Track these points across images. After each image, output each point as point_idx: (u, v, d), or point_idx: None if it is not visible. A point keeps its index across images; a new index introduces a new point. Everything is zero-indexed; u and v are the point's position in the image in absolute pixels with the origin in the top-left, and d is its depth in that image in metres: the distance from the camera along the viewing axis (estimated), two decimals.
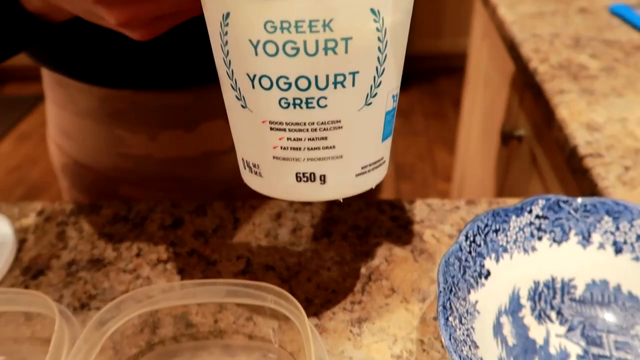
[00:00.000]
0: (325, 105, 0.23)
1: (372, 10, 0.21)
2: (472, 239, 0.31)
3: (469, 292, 0.29)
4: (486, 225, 0.31)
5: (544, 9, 0.74)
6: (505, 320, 0.30)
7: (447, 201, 0.42)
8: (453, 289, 0.28)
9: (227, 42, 0.22)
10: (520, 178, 0.73)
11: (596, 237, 0.32)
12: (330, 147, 0.24)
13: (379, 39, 0.22)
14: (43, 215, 0.43)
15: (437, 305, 0.28)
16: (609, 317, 0.31)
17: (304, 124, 0.23)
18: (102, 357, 0.27)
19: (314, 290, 0.35)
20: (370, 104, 0.24)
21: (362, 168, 0.25)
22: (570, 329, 0.31)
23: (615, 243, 0.32)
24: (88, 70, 0.40)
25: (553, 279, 0.32)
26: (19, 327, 0.33)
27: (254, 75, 0.22)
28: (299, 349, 0.29)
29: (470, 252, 0.30)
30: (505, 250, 0.32)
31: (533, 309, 0.31)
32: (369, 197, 0.58)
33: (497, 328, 0.29)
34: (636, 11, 0.70)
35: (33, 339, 0.32)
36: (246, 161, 0.26)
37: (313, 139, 0.24)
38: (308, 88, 0.22)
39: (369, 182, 0.26)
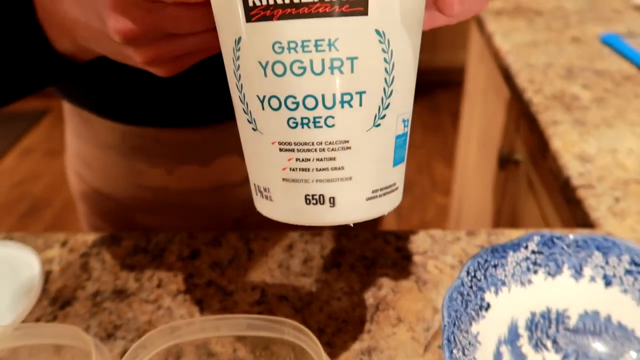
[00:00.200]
0: (333, 125, 0.23)
1: (377, 32, 0.22)
2: (473, 274, 0.33)
3: (470, 324, 0.32)
4: (486, 261, 0.34)
5: (537, 38, 0.77)
6: (504, 349, 0.33)
7: (449, 232, 0.44)
8: (456, 322, 0.31)
9: (239, 66, 0.24)
10: (518, 200, 0.76)
11: (587, 271, 0.35)
12: (339, 168, 0.24)
13: (385, 60, 0.23)
14: (67, 247, 0.45)
15: (442, 337, 0.30)
16: (600, 346, 0.33)
17: (312, 143, 0.24)
18: None
19: (325, 320, 0.37)
20: (379, 125, 0.24)
21: (373, 192, 0.25)
22: (565, 357, 0.33)
23: (605, 276, 0.35)
24: (112, 108, 0.43)
25: (548, 310, 0.35)
26: (49, 358, 0.35)
27: (264, 97, 0.23)
28: None
29: (471, 287, 0.33)
30: (503, 283, 0.34)
31: (530, 339, 0.34)
32: (374, 225, 0.61)
33: (497, 357, 0.32)
34: (625, 41, 0.73)
35: None
36: (257, 186, 0.27)
37: (321, 160, 0.24)
38: (315, 107, 0.23)
39: (381, 208, 0.26)
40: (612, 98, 0.62)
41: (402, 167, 0.27)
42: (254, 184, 0.27)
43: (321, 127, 0.23)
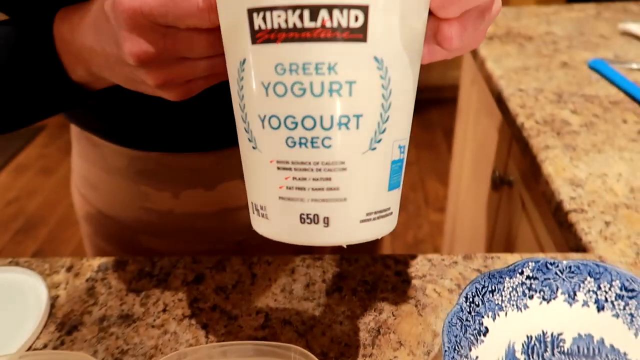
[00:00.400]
0: (330, 146, 0.24)
1: (376, 58, 0.23)
2: (471, 299, 0.35)
3: (470, 349, 0.33)
4: (483, 287, 0.35)
5: (528, 63, 0.80)
6: None
7: (446, 256, 0.46)
8: (456, 347, 0.32)
9: (242, 86, 0.25)
10: (511, 221, 0.77)
11: (581, 296, 0.36)
12: (334, 189, 0.25)
13: (382, 86, 0.24)
14: (72, 272, 0.46)
15: None
16: None
17: (309, 163, 0.24)
18: None
19: (328, 344, 0.38)
20: (375, 148, 0.25)
21: (367, 214, 0.26)
22: None
23: (597, 301, 0.36)
24: (120, 133, 0.44)
25: (544, 334, 0.36)
26: None
27: (264, 116, 0.24)
28: None
29: (470, 312, 0.34)
30: (500, 308, 0.36)
31: None
32: (372, 247, 0.62)
33: None
34: (613, 67, 0.75)
35: None
36: (255, 204, 0.27)
37: (317, 179, 0.25)
38: (313, 127, 0.24)
39: (375, 231, 0.27)
40: (600, 123, 0.64)
41: (397, 192, 0.28)
42: (252, 202, 0.28)
43: (318, 147, 0.24)
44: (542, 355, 0.35)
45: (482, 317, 0.35)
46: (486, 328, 0.35)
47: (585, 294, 0.36)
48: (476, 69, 0.95)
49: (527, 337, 0.36)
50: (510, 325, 0.36)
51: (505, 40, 0.89)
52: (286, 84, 0.23)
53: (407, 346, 0.38)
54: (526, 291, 0.37)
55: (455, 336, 0.32)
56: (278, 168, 0.25)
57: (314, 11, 0.22)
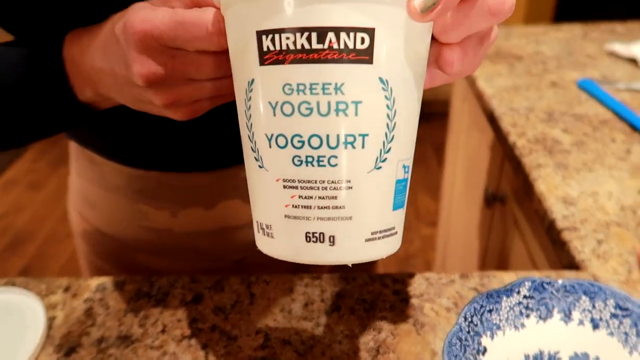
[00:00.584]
0: (336, 164, 0.24)
1: (381, 79, 0.24)
2: (470, 319, 0.35)
3: None
4: (481, 306, 0.36)
5: (518, 83, 0.82)
6: None
7: (443, 275, 0.46)
8: None
9: (250, 106, 0.25)
10: (505, 237, 0.78)
11: (576, 315, 0.37)
12: (340, 207, 0.25)
13: (387, 106, 0.24)
14: (70, 292, 0.46)
15: None
16: None
17: (315, 181, 0.25)
18: None
19: None
20: (380, 168, 0.25)
21: (372, 234, 0.26)
22: None
23: (592, 320, 0.37)
24: (121, 152, 0.45)
25: (541, 352, 0.37)
26: None
27: (271, 135, 0.25)
28: None
29: (469, 332, 0.35)
30: (498, 328, 0.36)
31: None
32: (370, 265, 0.62)
33: None
34: (601, 86, 0.77)
35: None
36: (260, 223, 0.28)
37: (323, 198, 0.25)
38: (320, 146, 0.24)
39: (379, 250, 0.27)
40: (590, 142, 0.65)
41: (401, 212, 0.28)
42: (257, 221, 0.28)
43: (324, 165, 0.24)
44: None
45: (481, 336, 0.35)
46: (485, 348, 0.35)
47: (580, 313, 0.37)
48: (467, 86, 0.97)
49: (525, 356, 0.36)
50: (508, 345, 0.36)
51: (496, 59, 0.91)
52: (293, 104, 0.24)
53: None
54: (523, 310, 0.37)
55: (455, 356, 0.33)
56: (284, 187, 0.25)
57: (322, 33, 0.23)
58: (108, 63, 0.29)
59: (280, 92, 0.24)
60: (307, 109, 0.24)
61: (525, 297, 0.37)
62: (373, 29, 0.23)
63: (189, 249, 0.49)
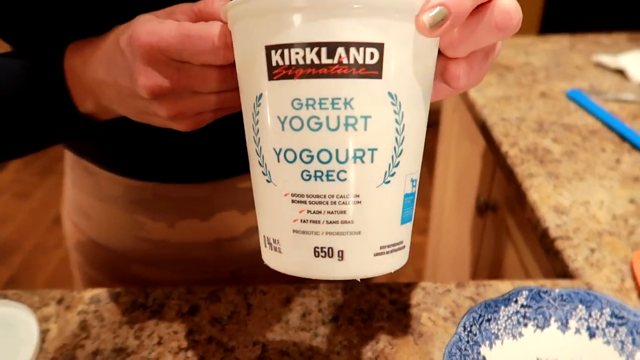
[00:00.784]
0: (345, 179, 0.24)
1: (390, 94, 0.24)
2: (469, 329, 0.35)
3: None
4: (480, 316, 0.36)
5: (509, 93, 0.83)
6: None
7: (439, 284, 0.47)
8: None
9: (258, 121, 0.25)
10: (497, 245, 0.79)
11: (573, 323, 0.37)
12: (349, 222, 0.25)
13: (396, 120, 0.25)
14: (63, 304, 0.45)
15: None
16: None
17: (324, 196, 0.25)
18: None
19: None
20: (389, 182, 0.25)
21: (381, 248, 0.26)
22: None
23: (589, 328, 0.37)
24: (119, 163, 0.44)
25: None
26: None
27: (280, 149, 0.25)
28: None
29: (468, 342, 0.35)
30: (497, 337, 0.37)
31: None
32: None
33: None
34: (589, 97, 0.79)
35: None
36: (267, 237, 0.27)
37: (332, 212, 0.25)
38: (329, 161, 0.24)
39: (388, 265, 0.27)
40: (580, 152, 0.66)
41: (409, 226, 0.28)
42: (264, 236, 0.28)
43: (333, 180, 0.25)
44: None
45: (480, 346, 0.36)
46: (483, 357, 0.35)
47: (577, 322, 0.37)
48: (458, 97, 0.98)
49: None
50: (507, 354, 0.36)
51: None
52: (302, 119, 0.24)
53: None
54: (521, 319, 0.37)
55: None
56: (293, 201, 0.25)
57: (332, 48, 0.23)
58: (111, 75, 0.29)
59: (289, 107, 0.24)
60: (316, 123, 0.24)
61: (522, 306, 0.38)
62: (382, 44, 0.23)
63: (185, 260, 0.49)
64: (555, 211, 0.55)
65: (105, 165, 0.45)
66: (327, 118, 0.24)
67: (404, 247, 0.28)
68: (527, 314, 0.38)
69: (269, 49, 0.24)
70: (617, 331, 0.37)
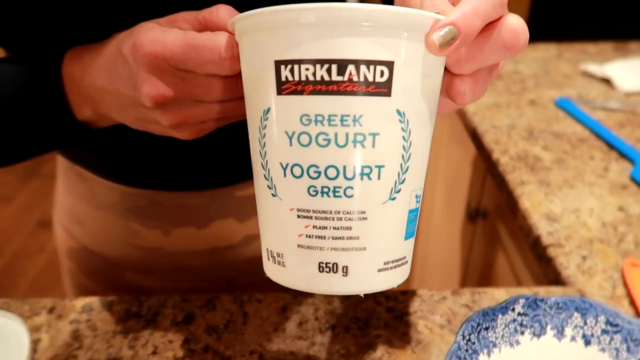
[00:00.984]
0: (352, 195, 0.25)
1: (398, 111, 0.24)
2: (468, 337, 0.35)
3: None
4: (478, 324, 0.36)
5: (499, 100, 0.84)
6: None
7: (435, 292, 0.47)
8: None
9: (265, 134, 0.25)
10: (487, 252, 0.80)
11: (568, 331, 0.38)
12: (354, 238, 0.25)
13: (403, 138, 0.25)
14: (54, 313, 0.44)
15: None
16: None
17: (330, 212, 0.25)
18: None
19: None
20: (395, 198, 0.26)
21: (385, 264, 0.26)
22: None
23: (584, 336, 0.38)
24: (116, 170, 0.44)
25: None
26: None
27: (287, 164, 0.25)
28: None
29: (467, 350, 0.35)
30: (494, 345, 0.37)
31: None
32: None
33: None
34: (577, 105, 0.80)
35: None
36: (270, 251, 0.27)
37: (338, 228, 0.25)
38: (336, 177, 0.24)
39: (391, 280, 0.27)
40: (570, 160, 0.67)
41: (412, 241, 0.29)
42: (267, 249, 0.28)
43: (340, 196, 0.25)
44: None
45: (478, 354, 0.36)
46: None
47: (572, 329, 0.38)
48: None
49: None
50: None
51: None
52: (311, 134, 0.24)
53: None
54: (518, 327, 0.38)
55: None
56: (298, 216, 0.25)
57: (342, 66, 0.23)
58: (112, 82, 0.29)
59: (298, 123, 0.24)
60: (324, 140, 0.24)
61: (519, 314, 0.38)
62: (392, 62, 0.24)
63: (179, 269, 0.48)
64: (547, 218, 0.56)
65: (100, 171, 0.44)
66: (336, 135, 0.24)
67: (406, 262, 0.28)
68: (524, 322, 0.38)
69: (278, 64, 0.24)
70: (612, 339, 0.37)
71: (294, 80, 0.24)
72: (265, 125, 0.25)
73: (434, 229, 1.16)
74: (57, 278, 1.76)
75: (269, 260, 0.28)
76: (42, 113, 0.31)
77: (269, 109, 0.25)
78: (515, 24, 0.23)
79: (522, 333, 0.38)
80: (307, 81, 0.24)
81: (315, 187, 0.25)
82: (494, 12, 0.23)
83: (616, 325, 0.37)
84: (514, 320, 0.38)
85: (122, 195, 0.45)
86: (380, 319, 0.44)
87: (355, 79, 0.23)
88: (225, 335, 0.42)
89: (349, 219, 0.25)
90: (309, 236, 0.25)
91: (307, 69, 0.23)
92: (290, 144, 0.25)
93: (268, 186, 0.26)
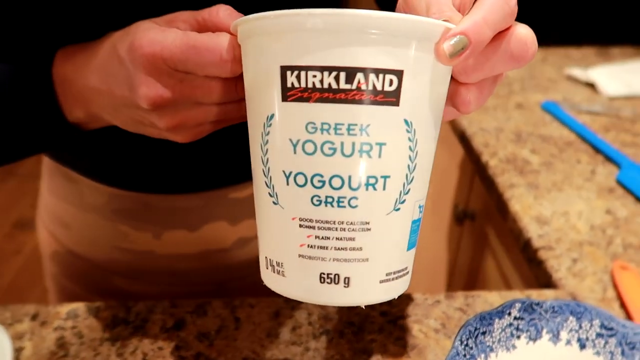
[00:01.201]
0: (356, 206, 0.24)
1: (406, 121, 0.24)
2: (465, 342, 0.35)
3: None
4: (476, 329, 0.36)
5: (486, 103, 0.84)
6: None
7: (429, 295, 0.46)
8: None
9: (267, 141, 0.25)
10: (474, 255, 0.80)
11: (564, 335, 0.38)
12: (357, 249, 0.25)
13: (410, 148, 0.24)
14: (38, 320, 0.42)
15: None
16: None
17: (334, 222, 0.24)
18: None
19: None
20: (399, 209, 0.25)
21: (387, 275, 0.26)
22: None
23: (579, 339, 0.38)
24: (105, 172, 0.42)
25: None
26: None
27: (290, 172, 0.24)
28: None
29: (465, 355, 0.35)
30: (491, 350, 0.37)
31: None
32: None
33: None
34: (563, 108, 0.81)
35: None
36: (270, 260, 0.27)
37: (341, 239, 0.25)
38: (341, 187, 0.24)
39: (392, 291, 0.27)
40: (558, 163, 0.68)
41: (413, 251, 0.28)
42: (266, 257, 0.27)
43: (344, 207, 0.24)
44: None
45: (475, 359, 0.36)
46: None
47: (568, 333, 0.38)
48: None
49: None
50: None
51: None
52: (316, 143, 0.24)
53: None
54: (514, 332, 0.38)
55: None
56: (300, 226, 0.25)
57: (351, 73, 0.23)
58: (106, 83, 0.27)
59: (303, 130, 0.24)
60: (330, 148, 0.23)
61: (515, 318, 0.38)
62: (402, 71, 0.23)
63: (169, 273, 0.47)
64: (537, 221, 0.56)
65: (88, 173, 0.43)
66: (342, 144, 0.23)
67: (407, 272, 0.28)
68: (520, 326, 0.38)
69: (284, 69, 0.23)
70: (606, 342, 0.37)
71: (300, 87, 0.23)
72: (269, 132, 0.25)
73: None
74: (34, 281, 1.71)
75: (267, 268, 0.27)
76: (31, 114, 0.30)
77: (272, 115, 0.24)
78: (525, 34, 0.23)
79: (519, 337, 0.38)
80: (314, 88, 0.23)
81: (319, 197, 0.24)
82: (504, 21, 0.23)
83: (611, 329, 0.37)
84: (510, 324, 0.38)
85: (111, 197, 0.43)
86: (375, 323, 0.43)
87: (363, 87, 0.23)
88: (217, 342, 0.41)
89: (352, 229, 0.24)
90: (311, 246, 0.25)
91: (314, 76, 0.23)
92: (295, 152, 0.24)
93: (269, 194, 0.26)
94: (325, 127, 0.23)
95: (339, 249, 0.25)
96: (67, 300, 0.51)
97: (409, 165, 0.25)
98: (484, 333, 0.37)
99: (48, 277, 0.52)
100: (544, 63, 1.01)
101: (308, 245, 0.25)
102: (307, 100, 0.23)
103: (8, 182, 2.18)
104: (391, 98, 0.23)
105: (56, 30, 0.31)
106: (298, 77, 0.23)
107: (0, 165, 0.34)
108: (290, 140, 0.24)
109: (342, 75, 0.23)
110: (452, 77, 0.26)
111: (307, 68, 0.23)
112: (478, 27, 0.22)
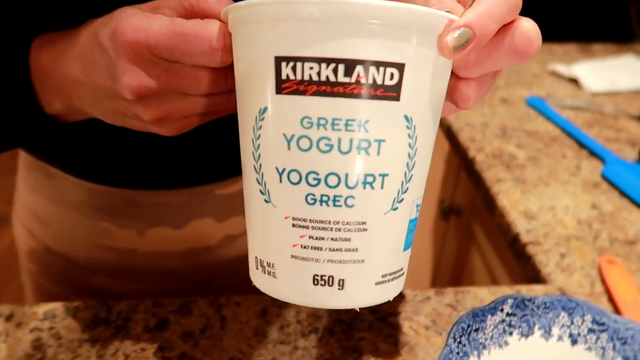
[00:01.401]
0: (353, 205, 0.23)
1: (406, 117, 0.23)
2: (458, 339, 0.34)
3: None
4: (468, 326, 0.35)
5: None
6: None
7: (418, 291, 0.46)
8: None
9: (259, 135, 0.23)
10: (460, 250, 0.80)
11: (556, 331, 0.38)
12: (353, 250, 0.24)
13: (409, 145, 0.23)
14: (13, 321, 0.41)
15: None
16: None
17: (329, 222, 0.23)
18: None
19: None
20: (396, 209, 0.24)
21: (382, 276, 0.25)
22: None
23: (571, 335, 0.37)
24: (86, 167, 0.40)
25: None
26: None
27: (283, 169, 0.23)
28: None
29: (458, 353, 0.34)
30: (484, 347, 0.36)
31: None
32: None
33: None
34: (548, 104, 0.81)
35: None
36: (260, 260, 0.26)
37: (336, 240, 0.23)
38: (337, 185, 0.23)
39: (387, 293, 0.26)
40: (544, 158, 0.68)
41: (409, 252, 0.27)
42: (256, 257, 0.26)
43: (340, 206, 0.23)
44: None
45: (468, 356, 0.35)
46: None
47: (560, 329, 0.38)
48: None
49: None
50: None
51: None
52: (312, 139, 0.22)
53: None
54: (506, 328, 0.37)
55: None
56: (293, 225, 0.24)
57: (350, 66, 0.21)
58: (87, 73, 0.26)
59: (298, 125, 0.22)
60: (326, 145, 0.22)
61: (508, 314, 0.37)
62: (403, 64, 0.22)
63: (153, 271, 0.45)
64: (525, 216, 0.56)
65: (68, 169, 0.41)
66: (339, 140, 0.22)
67: (403, 273, 0.27)
68: (513, 323, 0.37)
69: (279, 60, 0.22)
70: (598, 337, 0.37)
71: (295, 79, 0.22)
72: (261, 126, 0.23)
73: None
74: (8, 279, 1.67)
75: (257, 269, 0.26)
76: (6, 106, 0.28)
77: (265, 109, 0.23)
78: (529, 29, 0.22)
79: (511, 334, 0.37)
80: (311, 81, 0.22)
81: (314, 195, 0.23)
82: (509, 15, 0.22)
83: (602, 324, 0.37)
84: (503, 320, 0.37)
85: (91, 193, 0.41)
86: (364, 321, 0.42)
87: (363, 81, 0.22)
88: (202, 342, 0.40)
89: (348, 229, 0.23)
90: (304, 247, 0.24)
91: (311, 68, 0.21)
92: (289, 148, 0.23)
93: (260, 191, 0.24)
94: (322, 122, 0.22)
95: (333, 249, 0.24)
96: (44, 299, 0.49)
97: (408, 163, 0.24)
98: (476, 330, 0.36)
99: (25, 275, 0.49)
100: None
101: (301, 246, 0.24)
102: (303, 93, 0.22)
103: None
104: (391, 92, 0.22)
105: (33, 17, 0.30)
106: (294, 69, 0.22)
107: None
108: (284, 135, 0.23)
109: (341, 67, 0.21)
110: (452, 73, 0.25)
111: (304, 59, 0.21)
112: (482, 19, 0.21)
